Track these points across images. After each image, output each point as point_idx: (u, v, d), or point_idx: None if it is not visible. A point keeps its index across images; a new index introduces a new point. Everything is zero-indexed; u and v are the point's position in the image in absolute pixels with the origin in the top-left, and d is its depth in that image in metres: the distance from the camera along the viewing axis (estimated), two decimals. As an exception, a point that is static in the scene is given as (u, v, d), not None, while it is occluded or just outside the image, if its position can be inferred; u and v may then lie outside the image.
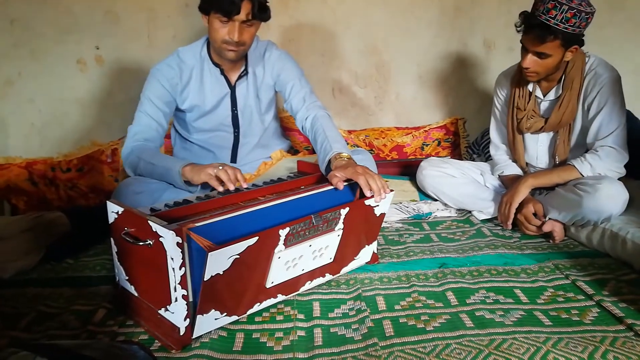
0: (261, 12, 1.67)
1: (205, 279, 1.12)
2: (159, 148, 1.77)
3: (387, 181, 1.50)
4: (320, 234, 1.37)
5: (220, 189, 1.46)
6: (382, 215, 1.54)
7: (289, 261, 1.33)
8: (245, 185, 1.48)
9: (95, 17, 2.30)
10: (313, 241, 1.36)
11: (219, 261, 1.13)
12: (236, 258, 1.16)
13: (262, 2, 1.67)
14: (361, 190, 1.47)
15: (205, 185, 1.54)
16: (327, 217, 1.36)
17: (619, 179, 1.79)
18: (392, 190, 1.48)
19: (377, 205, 1.50)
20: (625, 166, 1.82)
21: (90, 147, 2.30)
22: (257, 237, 1.18)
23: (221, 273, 1.15)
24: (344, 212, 1.40)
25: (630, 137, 1.84)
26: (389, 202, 1.52)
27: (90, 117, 2.37)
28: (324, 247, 1.41)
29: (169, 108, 1.79)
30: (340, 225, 1.41)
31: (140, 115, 1.74)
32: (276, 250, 1.27)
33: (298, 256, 1.35)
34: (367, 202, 1.46)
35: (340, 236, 1.43)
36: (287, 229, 1.26)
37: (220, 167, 1.48)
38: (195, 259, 1.16)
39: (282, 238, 1.27)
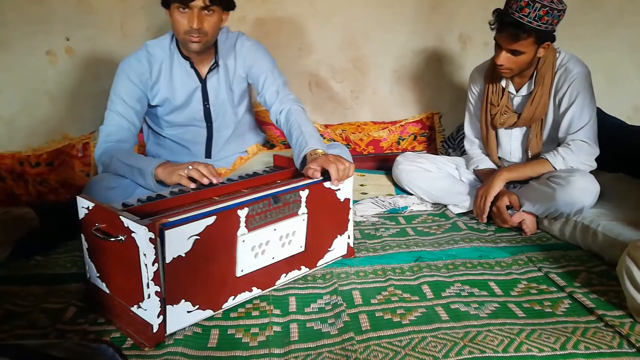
0: None
1: (167, 261, 1.11)
2: (132, 147, 1.72)
3: (362, 175, 1.50)
4: (284, 218, 1.37)
5: (193, 185, 1.44)
6: (347, 200, 1.54)
7: (256, 246, 1.32)
8: (216, 181, 1.45)
9: (67, 7, 2.24)
10: (277, 225, 1.35)
11: (178, 241, 1.13)
12: (197, 239, 1.15)
13: None
14: None
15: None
16: (287, 198, 1.36)
17: (590, 172, 1.83)
18: (351, 176, 1.50)
19: (339, 189, 1.50)
20: (596, 159, 1.86)
21: (60, 141, 2.25)
22: (215, 217, 1.18)
23: (183, 255, 1.15)
24: (304, 194, 1.40)
25: (599, 131, 1.88)
26: (351, 186, 1.53)
27: (61, 109, 2.31)
28: (290, 232, 1.40)
29: (140, 105, 1.74)
30: (304, 209, 1.41)
31: (111, 114, 1.70)
32: (239, 233, 1.26)
33: (264, 241, 1.34)
34: (326, 184, 1.46)
35: (305, 221, 1.43)
36: (246, 209, 1.26)
37: (191, 167, 1.45)
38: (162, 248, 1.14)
39: (243, 219, 1.26)
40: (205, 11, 1.62)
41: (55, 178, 2.17)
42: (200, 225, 1.16)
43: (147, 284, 1.14)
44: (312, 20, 2.53)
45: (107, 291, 1.28)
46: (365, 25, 2.59)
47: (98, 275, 1.30)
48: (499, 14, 1.78)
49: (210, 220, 1.17)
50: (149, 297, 1.15)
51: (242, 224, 1.26)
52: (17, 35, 2.19)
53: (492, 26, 1.81)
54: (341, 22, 2.56)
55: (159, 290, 1.15)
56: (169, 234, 1.09)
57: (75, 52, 2.29)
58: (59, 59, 2.28)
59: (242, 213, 1.25)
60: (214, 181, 1.45)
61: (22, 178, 2.13)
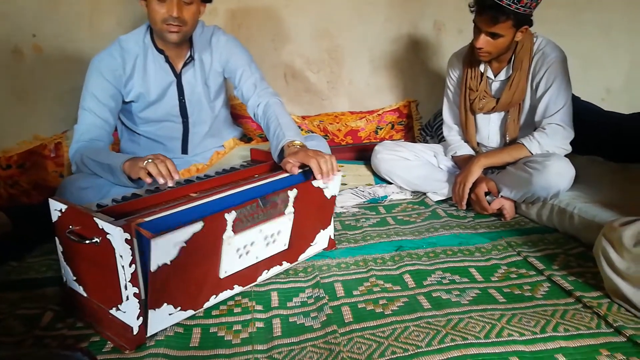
0: None
1: (152, 270, 1.08)
2: (107, 146, 1.68)
3: (341, 166, 1.49)
4: (270, 218, 1.34)
5: (149, 180, 1.37)
6: (333, 197, 1.53)
7: (241, 248, 1.30)
8: (177, 177, 1.38)
9: (32, 2, 2.17)
10: (263, 226, 1.33)
11: (164, 250, 1.09)
12: (183, 246, 1.12)
13: None
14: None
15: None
16: (275, 200, 1.33)
17: (566, 156, 1.85)
18: (339, 171, 1.48)
19: (327, 187, 1.48)
20: (571, 143, 1.88)
21: (31, 141, 2.18)
22: (202, 223, 1.14)
23: (169, 263, 1.11)
24: (292, 194, 1.37)
25: (574, 116, 1.90)
26: (339, 183, 1.52)
27: (31, 109, 2.24)
28: (275, 232, 1.38)
29: (114, 102, 1.70)
30: (291, 208, 1.39)
31: (84, 113, 1.65)
32: (225, 236, 1.24)
33: (249, 242, 1.32)
34: (315, 183, 1.44)
35: (291, 220, 1.41)
36: (234, 213, 1.23)
37: (150, 160, 1.38)
38: (145, 253, 1.11)
39: (230, 223, 1.23)
40: (184, 1, 1.60)
41: (27, 180, 2.11)
42: (187, 233, 1.12)
43: (125, 286, 1.12)
44: (285, 11, 2.50)
45: (85, 294, 1.26)
46: (339, 15, 2.57)
47: (75, 278, 1.27)
48: None
49: (198, 226, 1.14)
50: (127, 299, 1.13)
51: (229, 227, 1.23)
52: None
53: (472, 9, 1.82)
54: (315, 12, 2.54)
55: (137, 291, 1.13)
56: (154, 242, 1.06)
57: (43, 49, 2.23)
58: (26, 56, 2.22)
59: (230, 217, 1.22)
60: (175, 177, 1.37)
61: (-8, 181, 2.08)
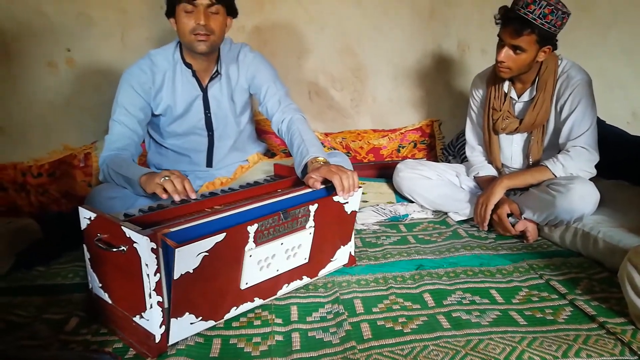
0: None
1: (175, 278, 1.11)
2: (134, 156, 1.72)
3: (363, 184, 1.50)
4: (291, 232, 1.36)
5: (165, 196, 1.42)
6: (354, 213, 1.54)
7: (262, 260, 1.32)
8: (193, 196, 1.42)
9: (67, 19, 2.25)
10: (284, 239, 1.35)
11: (187, 259, 1.12)
12: (205, 255, 1.15)
13: None
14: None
15: None
16: (296, 213, 1.35)
17: (591, 179, 1.83)
18: (360, 187, 1.49)
19: (347, 203, 1.50)
20: (597, 166, 1.86)
21: (62, 151, 2.25)
22: (225, 234, 1.17)
23: (191, 272, 1.14)
24: (312, 208, 1.39)
25: (600, 140, 1.89)
26: (359, 199, 1.53)
27: (63, 120, 2.32)
28: (296, 245, 1.40)
29: (143, 113, 1.75)
30: (311, 222, 1.41)
31: (114, 123, 1.71)
32: (246, 248, 1.26)
33: (270, 255, 1.34)
34: (335, 198, 1.46)
35: (312, 234, 1.43)
36: (256, 225, 1.25)
37: (167, 177, 1.42)
38: (169, 263, 1.14)
39: (252, 235, 1.26)
40: (211, 9, 1.65)
41: (57, 188, 2.17)
42: (209, 243, 1.15)
43: (149, 294, 1.15)
44: (310, 29, 2.55)
45: (110, 301, 1.28)
46: (363, 33, 2.60)
47: (100, 285, 1.30)
48: (505, 9, 1.82)
49: (220, 237, 1.16)
50: (151, 307, 1.15)
51: (251, 240, 1.26)
52: (18, 46, 2.20)
53: (497, 21, 1.83)
54: (339, 30, 2.57)
55: (161, 300, 1.15)
56: (179, 252, 1.08)
57: (76, 63, 2.31)
58: (60, 69, 2.29)
59: (252, 229, 1.25)
60: (192, 196, 1.41)
61: (24, 189, 2.14)
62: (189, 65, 1.78)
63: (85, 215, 1.27)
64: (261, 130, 2.41)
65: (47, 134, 2.28)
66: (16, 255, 1.61)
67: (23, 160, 2.20)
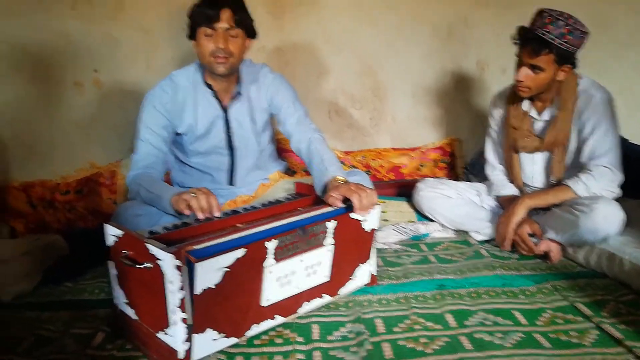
0: (242, 20, 1.72)
1: (197, 293, 1.13)
2: (161, 174, 1.76)
3: (383, 202, 1.51)
4: (310, 249, 1.38)
5: (187, 212, 1.44)
6: (373, 231, 1.55)
7: (282, 277, 1.33)
8: (217, 214, 1.44)
9: (94, 40, 2.33)
10: (303, 256, 1.36)
11: (208, 274, 1.14)
12: (227, 271, 1.17)
13: (242, 10, 1.72)
14: None
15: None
16: (314, 230, 1.37)
17: (616, 199, 1.81)
18: (378, 205, 1.50)
19: (365, 220, 1.50)
20: (622, 186, 1.84)
21: (89, 169, 2.31)
22: (245, 249, 1.19)
23: (213, 287, 1.16)
24: (331, 225, 1.40)
25: (624, 159, 1.87)
26: (378, 217, 1.54)
27: (89, 138, 2.38)
28: (316, 263, 1.41)
29: (167, 132, 1.80)
30: (330, 240, 1.42)
31: (139, 143, 1.76)
32: (266, 264, 1.28)
33: (290, 272, 1.35)
34: (353, 215, 1.47)
35: (331, 251, 1.44)
36: (275, 241, 1.27)
37: (194, 194, 1.45)
38: (193, 280, 1.15)
39: (271, 251, 1.27)
40: (230, 33, 1.70)
41: (84, 205, 2.22)
42: (230, 258, 1.17)
43: (173, 311, 1.16)
44: (330, 49, 2.58)
45: (135, 317, 1.31)
46: (382, 52, 2.63)
47: (126, 301, 1.32)
48: (523, 29, 1.82)
49: (240, 252, 1.18)
50: (174, 323, 1.17)
51: (270, 256, 1.28)
52: (47, 67, 2.28)
53: (515, 41, 1.84)
54: (358, 50, 2.61)
55: (185, 316, 1.16)
56: (200, 266, 1.11)
57: (102, 83, 2.37)
58: (86, 89, 2.36)
59: (271, 245, 1.27)
60: (215, 214, 1.44)
61: (52, 205, 2.19)
62: (209, 86, 1.83)
63: (112, 233, 1.30)
64: (282, 148, 2.44)
65: (73, 152, 2.34)
66: (44, 271, 1.65)
67: (51, 177, 2.26)
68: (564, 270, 1.78)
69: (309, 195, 1.69)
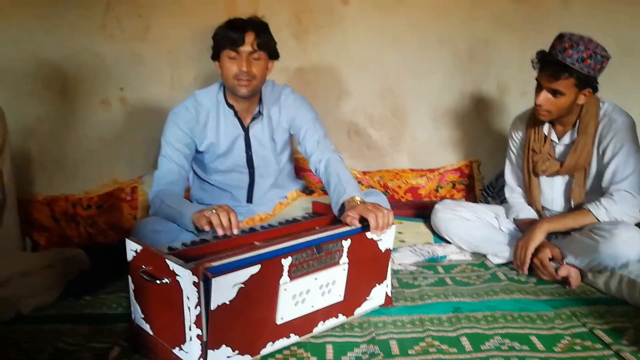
0: (266, 43, 1.76)
1: (212, 308, 1.14)
2: (182, 191, 1.80)
3: (400, 223, 1.51)
4: (325, 267, 1.38)
5: (207, 229, 1.47)
6: (388, 251, 1.55)
7: (297, 295, 1.34)
8: (235, 232, 1.46)
9: (121, 59, 2.40)
10: (318, 274, 1.37)
11: (223, 289, 1.15)
12: (241, 287, 1.18)
13: (265, 33, 1.76)
14: None
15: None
16: (329, 248, 1.38)
17: (637, 224, 1.78)
18: (393, 224, 1.50)
19: (381, 240, 1.51)
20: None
21: (111, 184, 2.36)
22: (259, 265, 1.20)
23: (227, 303, 1.17)
24: (346, 244, 1.41)
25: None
26: (393, 236, 1.54)
27: (113, 155, 2.44)
28: (330, 281, 1.42)
29: (189, 149, 1.84)
30: (345, 259, 1.43)
31: (162, 159, 1.80)
32: (281, 281, 1.29)
33: (305, 290, 1.36)
34: (368, 235, 1.47)
35: (346, 270, 1.44)
36: (290, 258, 1.28)
37: (214, 211, 1.48)
38: (208, 295, 1.17)
39: (286, 268, 1.28)
40: (253, 56, 1.74)
41: (105, 220, 2.27)
42: (245, 274, 1.19)
43: (189, 327, 1.18)
44: (351, 70, 2.61)
45: (151, 332, 1.32)
46: (402, 74, 2.65)
47: (143, 316, 1.34)
48: (542, 53, 1.82)
49: (255, 269, 1.20)
50: (190, 339, 1.19)
51: (285, 273, 1.29)
52: (75, 85, 2.36)
53: (535, 65, 1.84)
54: (379, 72, 2.63)
55: (200, 333, 1.18)
56: (215, 281, 1.12)
57: (128, 101, 2.44)
58: (112, 107, 2.43)
59: (286, 262, 1.28)
60: (234, 232, 1.46)
61: (74, 220, 2.25)
62: (231, 106, 1.86)
63: (132, 248, 1.33)
64: (300, 168, 2.46)
65: (98, 167, 2.40)
66: (66, 284, 1.68)
67: (75, 192, 2.31)
68: (583, 296, 1.75)
69: (326, 215, 1.70)
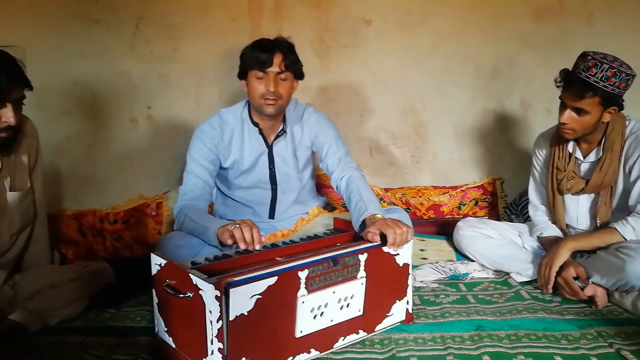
0: (292, 64, 1.79)
1: (230, 319, 1.16)
2: (206, 206, 1.83)
3: (423, 240, 1.51)
4: (343, 281, 1.39)
5: (230, 242, 1.50)
6: (406, 266, 1.55)
7: (315, 308, 1.35)
8: (257, 247, 1.48)
9: (149, 79, 2.47)
10: (336, 288, 1.38)
11: (241, 300, 1.17)
12: (259, 298, 1.20)
13: (292, 54, 1.80)
14: None
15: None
16: (346, 261, 1.38)
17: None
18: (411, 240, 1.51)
19: (398, 254, 1.51)
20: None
21: (137, 200, 2.41)
22: (276, 277, 1.22)
23: (246, 313, 1.19)
24: (362, 257, 1.42)
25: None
26: (410, 252, 1.54)
27: (139, 171, 2.50)
28: (349, 295, 1.42)
29: (214, 165, 1.88)
30: (362, 272, 1.43)
31: (187, 175, 1.84)
32: (299, 294, 1.30)
33: (323, 303, 1.36)
34: (385, 249, 1.48)
35: (364, 285, 1.44)
36: (306, 271, 1.30)
37: (238, 225, 1.51)
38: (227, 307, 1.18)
39: (303, 280, 1.29)
40: (280, 76, 1.78)
41: (130, 235, 2.32)
42: (262, 285, 1.21)
43: (211, 340, 1.19)
44: (373, 88, 2.64)
45: (174, 345, 1.34)
46: (424, 92, 2.66)
47: (166, 329, 1.37)
48: (566, 72, 1.81)
49: (272, 280, 1.22)
50: (212, 353, 1.20)
51: (302, 285, 1.30)
52: (104, 104, 2.43)
53: (558, 84, 1.83)
54: (401, 89, 2.65)
55: (222, 347, 1.19)
56: (233, 292, 1.15)
57: (155, 119, 2.50)
58: (140, 125, 2.50)
59: (302, 274, 1.30)
60: (256, 247, 1.48)
61: (101, 234, 2.30)
62: (256, 124, 1.90)
63: (156, 262, 1.36)
64: (322, 184, 2.48)
65: (125, 183, 2.46)
66: (91, 297, 1.72)
67: (102, 207, 2.37)
68: (610, 316, 1.72)
69: (348, 231, 1.71)
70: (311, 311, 1.34)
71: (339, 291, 1.39)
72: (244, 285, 1.18)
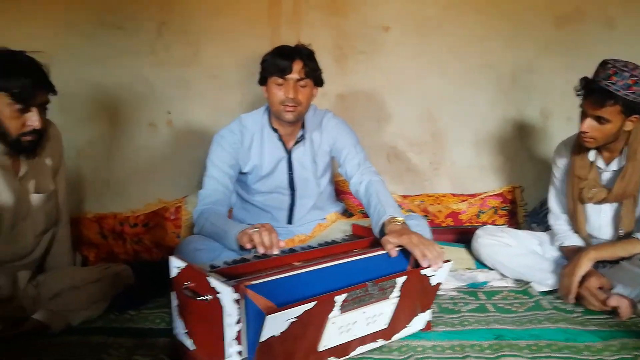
0: (312, 71, 1.81)
1: (261, 340, 1.15)
2: (225, 210, 1.84)
3: (442, 248, 1.50)
4: (375, 301, 1.37)
5: (249, 246, 1.50)
6: (438, 284, 1.53)
7: (343, 327, 1.34)
8: (275, 252, 1.48)
9: (168, 84, 2.50)
10: (367, 308, 1.36)
11: (276, 323, 1.16)
12: (293, 321, 1.18)
13: (312, 61, 1.81)
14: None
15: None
16: (384, 285, 1.37)
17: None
18: (449, 261, 1.48)
19: (434, 275, 1.49)
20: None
21: (156, 204, 2.44)
22: (315, 302, 1.20)
23: (277, 335, 1.18)
24: (400, 280, 1.40)
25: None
26: (447, 272, 1.52)
27: (159, 175, 2.52)
28: (378, 314, 1.41)
29: (233, 170, 1.89)
30: (397, 293, 1.42)
31: (207, 180, 1.86)
32: (331, 315, 1.28)
33: (352, 322, 1.35)
34: (423, 272, 1.46)
35: (395, 304, 1.43)
36: (344, 295, 1.28)
37: (257, 229, 1.51)
38: (252, 317, 1.18)
39: (338, 304, 1.28)
40: (300, 83, 1.79)
41: (150, 238, 2.34)
42: (299, 310, 1.18)
43: (230, 343, 1.20)
44: (390, 95, 2.64)
45: (192, 348, 1.35)
46: (443, 98, 2.65)
47: (185, 332, 1.37)
48: (586, 80, 1.79)
49: (310, 305, 1.20)
50: (230, 356, 1.20)
51: (337, 308, 1.28)
52: (124, 109, 2.47)
53: (578, 92, 1.81)
54: (418, 96, 2.65)
55: (240, 350, 1.19)
56: (270, 318, 1.12)
57: (174, 123, 2.53)
58: (159, 130, 2.53)
59: (339, 299, 1.28)
60: (274, 252, 1.48)
61: (121, 237, 2.33)
62: (275, 130, 1.91)
63: (176, 265, 1.37)
64: (340, 190, 2.48)
65: (145, 187, 2.49)
66: (112, 299, 1.74)
67: (122, 211, 2.40)
68: (634, 328, 1.68)
69: (366, 238, 1.70)
70: (339, 329, 1.33)
71: (370, 311, 1.38)
72: (283, 312, 1.15)
